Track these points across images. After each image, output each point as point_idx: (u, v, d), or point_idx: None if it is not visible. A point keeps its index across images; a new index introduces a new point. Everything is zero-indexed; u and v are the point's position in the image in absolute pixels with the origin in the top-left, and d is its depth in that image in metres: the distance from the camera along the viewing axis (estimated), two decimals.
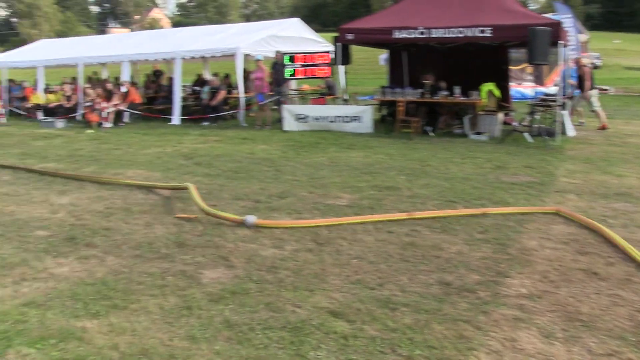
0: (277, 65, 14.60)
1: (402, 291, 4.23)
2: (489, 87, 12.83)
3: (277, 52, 14.93)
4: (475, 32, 11.70)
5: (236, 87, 16.98)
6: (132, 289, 4.37)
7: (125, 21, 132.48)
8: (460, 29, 11.83)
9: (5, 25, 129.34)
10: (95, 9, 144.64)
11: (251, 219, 5.87)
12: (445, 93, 12.79)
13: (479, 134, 12.15)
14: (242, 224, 5.87)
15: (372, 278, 4.51)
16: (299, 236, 5.57)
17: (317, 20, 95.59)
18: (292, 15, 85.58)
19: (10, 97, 20.99)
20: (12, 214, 6.76)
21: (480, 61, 13.43)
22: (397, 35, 12.48)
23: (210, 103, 15.99)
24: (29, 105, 19.58)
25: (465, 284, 4.35)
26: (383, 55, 19.81)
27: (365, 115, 13.10)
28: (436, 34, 12.11)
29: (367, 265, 4.80)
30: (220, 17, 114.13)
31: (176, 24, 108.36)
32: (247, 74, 16.59)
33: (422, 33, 12.20)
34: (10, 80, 21.73)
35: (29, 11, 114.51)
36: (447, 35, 12.05)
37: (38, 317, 3.91)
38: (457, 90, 12.69)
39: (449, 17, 12.23)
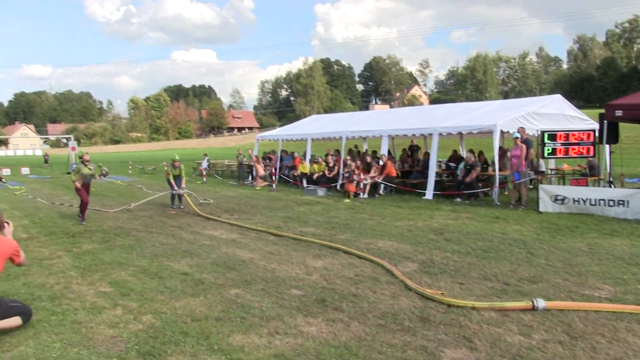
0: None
1: None
2: None
3: (520, 128, 14.47)
4: None
5: (491, 165, 16.74)
6: (373, 358, 4.50)
7: (387, 98, 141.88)
8: None
9: (285, 103, 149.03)
10: (360, 87, 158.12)
11: (541, 303, 5.63)
12: None
13: None
14: (531, 310, 5.60)
15: None
16: (549, 326, 5.16)
17: (580, 96, 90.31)
18: (552, 91, 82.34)
19: (282, 165, 23.89)
20: (273, 271, 7.58)
21: None
22: None
23: (465, 180, 15.99)
24: (296, 174, 21.93)
25: None
26: None
27: (633, 199, 11.74)
28: None
29: None
30: (478, 94, 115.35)
31: (434, 100, 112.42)
32: (503, 151, 16.30)
33: None
34: (283, 151, 24.81)
35: (304, 90, 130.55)
36: None
37: None
38: None
39: None
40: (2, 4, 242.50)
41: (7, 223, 5.57)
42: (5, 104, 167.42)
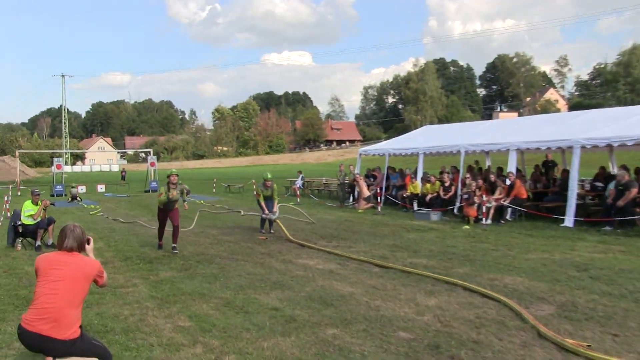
0: None
1: None
2: None
3: None
4: None
5: None
6: None
7: (515, 104, 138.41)
8: None
9: (391, 112, 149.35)
10: (481, 91, 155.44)
11: None
12: None
13: None
14: None
15: None
16: None
17: None
18: None
19: (388, 184, 23.78)
20: (377, 309, 7.49)
21: None
22: None
23: (616, 203, 15.19)
24: (406, 195, 21.74)
25: None
26: None
27: None
28: None
29: None
30: (634, 96, 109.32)
31: (575, 106, 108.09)
32: None
33: None
34: (390, 168, 24.70)
35: (414, 97, 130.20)
36: None
37: None
38: None
39: None
40: (80, 10, 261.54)
41: (89, 240, 5.83)
42: (83, 115, 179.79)
